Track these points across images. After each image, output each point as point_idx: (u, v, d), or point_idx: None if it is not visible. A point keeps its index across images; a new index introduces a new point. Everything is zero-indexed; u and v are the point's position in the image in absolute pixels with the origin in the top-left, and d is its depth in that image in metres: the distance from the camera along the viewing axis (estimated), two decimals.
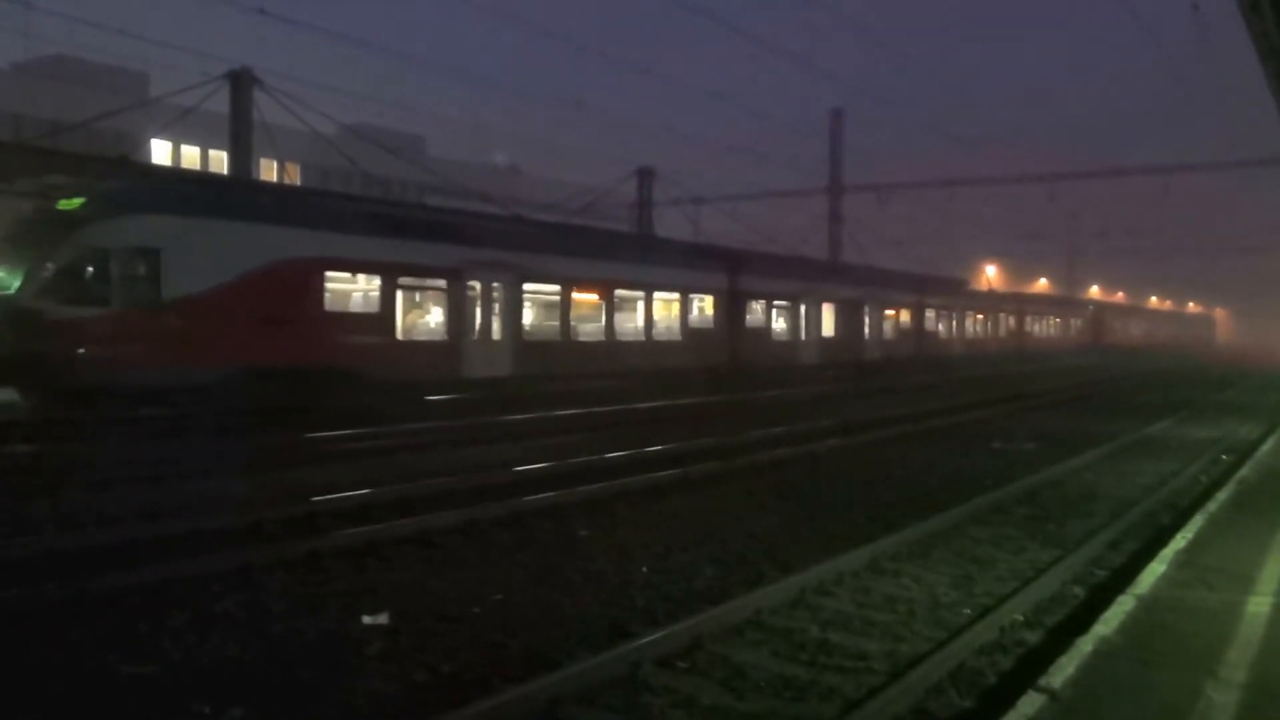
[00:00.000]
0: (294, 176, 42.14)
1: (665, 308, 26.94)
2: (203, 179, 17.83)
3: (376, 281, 19.74)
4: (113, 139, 32.21)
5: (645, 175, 50.36)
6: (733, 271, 28.47)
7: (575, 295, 23.92)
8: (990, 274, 68.48)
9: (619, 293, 25.06)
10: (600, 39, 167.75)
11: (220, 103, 30.69)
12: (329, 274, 19.10)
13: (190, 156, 40.31)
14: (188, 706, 5.35)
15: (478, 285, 21.56)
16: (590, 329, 24.85)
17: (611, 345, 24.63)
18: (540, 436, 17.57)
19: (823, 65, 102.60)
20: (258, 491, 11.41)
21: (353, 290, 20.18)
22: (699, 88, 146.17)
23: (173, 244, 16.60)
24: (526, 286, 22.62)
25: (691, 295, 27.37)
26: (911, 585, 8.17)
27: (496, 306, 22.03)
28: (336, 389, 18.85)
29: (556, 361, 23.02)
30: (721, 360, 27.70)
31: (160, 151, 39.43)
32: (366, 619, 6.94)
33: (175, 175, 17.78)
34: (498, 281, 21.88)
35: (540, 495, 11.11)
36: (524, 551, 9.00)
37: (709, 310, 28.17)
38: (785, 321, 31.81)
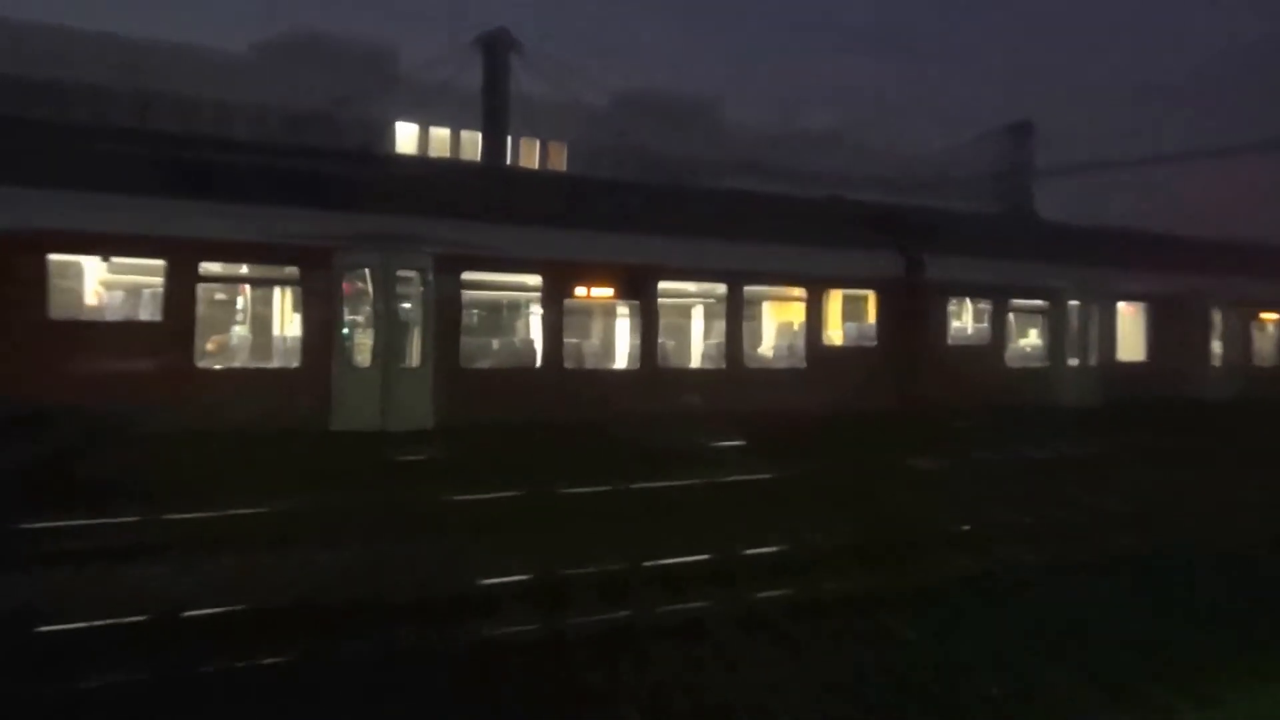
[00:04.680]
0: (558, 160, 37.30)
1: (774, 312, 17.84)
2: None
3: (158, 269, 12.93)
4: (356, 126, 28.80)
5: (1021, 133, 38.41)
6: (913, 249, 17.77)
7: (577, 291, 15.32)
8: None
9: (667, 288, 15.99)
10: None
11: (474, 78, 26.20)
12: (53, 258, 12.45)
13: (440, 140, 36.53)
14: None
15: (366, 276, 14.03)
16: (610, 349, 16.58)
17: (654, 375, 15.74)
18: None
19: None
20: None
21: (112, 285, 13.73)
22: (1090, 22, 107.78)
23: None
24: (469, 277, 14.56)
25: (829, 291, 17.34)
26: None
27: (408, 312, 14.40)
28: (77, 442, 12.26)
29: (532, 401, 14.71)
30: (886, 398, 17.16)
31: (406, 136, 35.96)
32: None
33: None
34: (408, 269, 14.19)
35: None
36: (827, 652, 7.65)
37: (866, 315, 17.87)
38: (1027, 334, 20.31)
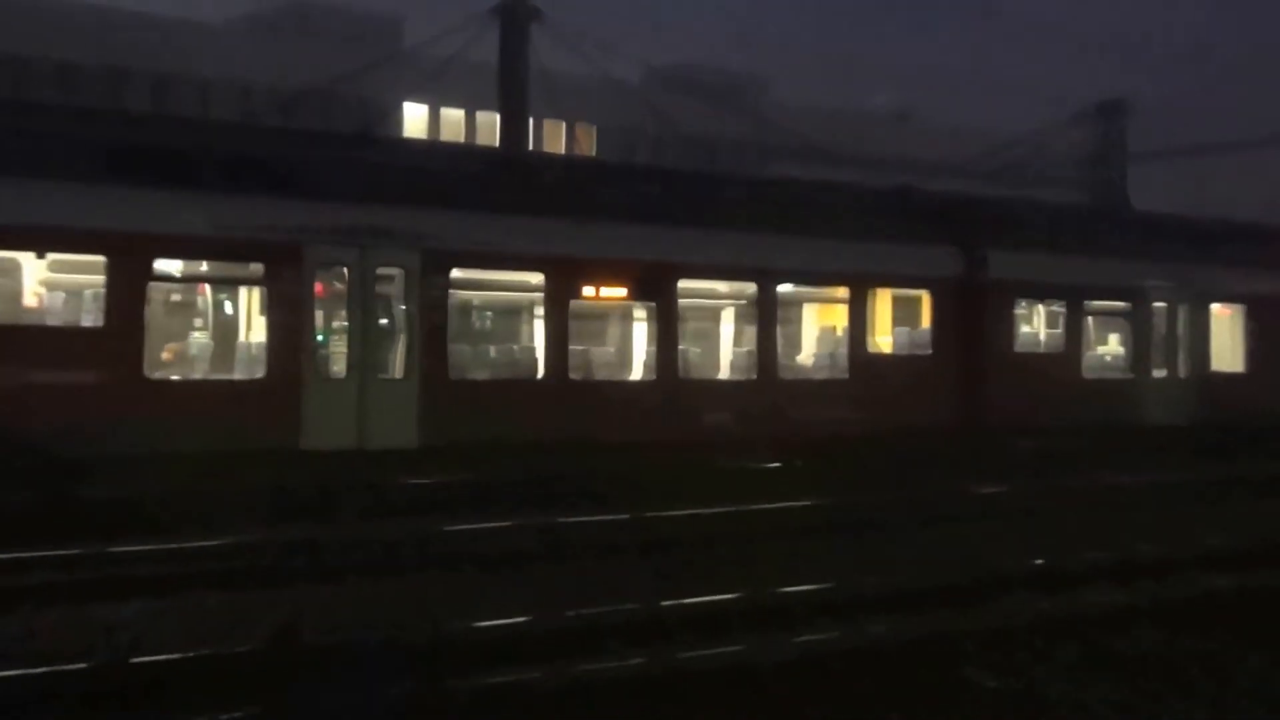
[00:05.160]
0: (587, 144, 35.97)
1: (813, 315, 16.59)
2: None
3: (96, 266, 12.00)
4: (357, 107, 27.73)
5: (1111, 113, 36.30)
6: (974, 244, 16.45)
7: (585, 291, 14.26)
8: None
9: (690, 287, 14.90)
10: None
11: (491, 53, 25.01)
12: None
13: (452, 122, 35.31)
14: None
15: (342, 274, 13.05)
16: (623, 358, 15.50)
17: (674, 387, 14.58)
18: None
19: None
20: None
21: (53, 284, 12.66)
22: None
23: None
24: (461, 276, 13.63)
25: (876, 291, 16.11)
26: None
27: (390, 315, 13.44)
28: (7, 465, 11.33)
29: (532, 416, 13.65)
30: (943, 414, 15.95)
31: (414, 118, 34.76)
32: None
33: None
34: (390, 266, 13.20)
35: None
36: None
37: (919, 319, 16.62)
38: (1106, 340, 18.80)
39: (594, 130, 35.93)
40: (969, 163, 28.97)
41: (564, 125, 34.10)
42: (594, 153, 35.05)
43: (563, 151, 33.37)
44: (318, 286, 13.03)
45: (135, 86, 25.34)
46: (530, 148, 24.14)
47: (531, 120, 24.91)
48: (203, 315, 13.52)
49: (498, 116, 24.46)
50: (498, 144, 22.94)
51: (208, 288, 13.40)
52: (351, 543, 10.73)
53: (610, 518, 12.02)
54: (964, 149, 32.09)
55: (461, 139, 33.07)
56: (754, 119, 33.66)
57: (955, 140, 37.93)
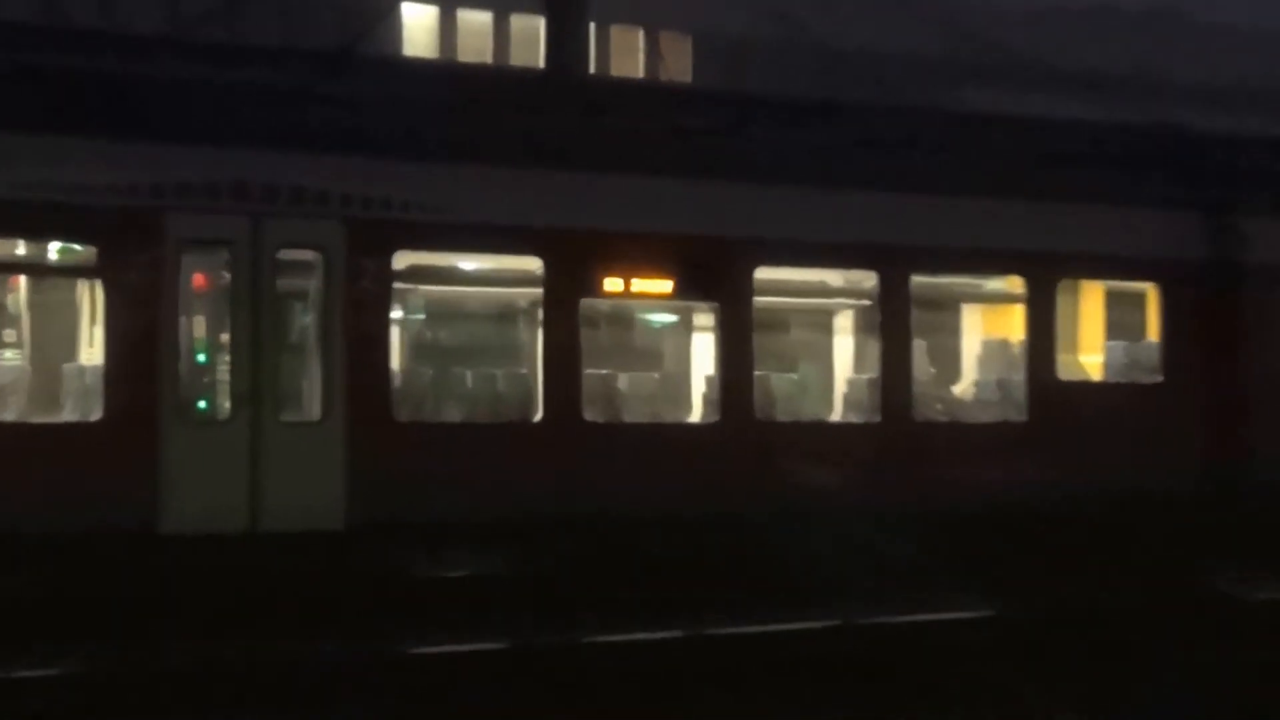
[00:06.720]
0: (678, 62, 32.05)
1: (972, 322, 13.83)
2: None
3: None
4: (333, 11, 25.83)
5: None
6: (1228, 208, 13.53)
7: (608, 285, 11.80)
8: None
9: (774, 279, 12.32)
10: None
11: None
12: None
13: (474, 30, 30.92)
14: None
15: (224, 259, 10.70)
16: (670, 388, 12.94)
17: (748, 433, 12.08)
18: None
19: None
20: None
21: None
22: None
23: None
24: (411, 261, 11.22)
25: (1072, 284, 13.42)
26: None
27: (300, 322, 11.24)
28: None
29: (527, 478, 11.21)
30: (1181, 474, 13.40)
31: (418, 25, 30.44)
32: None
33: None
34: (300, 247, 10.81)
35: None
36: None
37: (1141, 327, 13.84)
38: None
39: (689, 40, 30.96)
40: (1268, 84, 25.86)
41: (641, 33, 29.69)
42: (689, 75, 30.09)
43: (641, 71, 28.92)
44: (196, 278, 10.77)
45: None
46: (593, 67, 20.90)
47: (594, 27, 21.70)
48: (14, 324, 10.75)
49: (541, 21, 21.53)
50: (542, 62, 19.93)
51: (23, 281, 10.64)
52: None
53: (665, 635, 10.61)
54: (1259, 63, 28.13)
55: (489, 57, 28.80)
56: (931, 22, 30.20)
57: (1245, 50, 32.68)
